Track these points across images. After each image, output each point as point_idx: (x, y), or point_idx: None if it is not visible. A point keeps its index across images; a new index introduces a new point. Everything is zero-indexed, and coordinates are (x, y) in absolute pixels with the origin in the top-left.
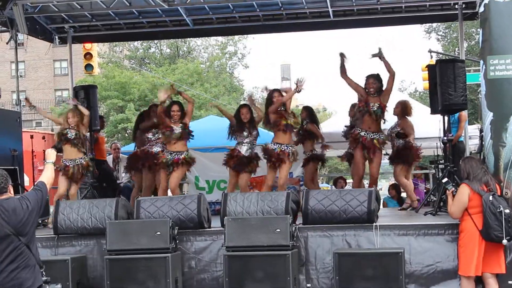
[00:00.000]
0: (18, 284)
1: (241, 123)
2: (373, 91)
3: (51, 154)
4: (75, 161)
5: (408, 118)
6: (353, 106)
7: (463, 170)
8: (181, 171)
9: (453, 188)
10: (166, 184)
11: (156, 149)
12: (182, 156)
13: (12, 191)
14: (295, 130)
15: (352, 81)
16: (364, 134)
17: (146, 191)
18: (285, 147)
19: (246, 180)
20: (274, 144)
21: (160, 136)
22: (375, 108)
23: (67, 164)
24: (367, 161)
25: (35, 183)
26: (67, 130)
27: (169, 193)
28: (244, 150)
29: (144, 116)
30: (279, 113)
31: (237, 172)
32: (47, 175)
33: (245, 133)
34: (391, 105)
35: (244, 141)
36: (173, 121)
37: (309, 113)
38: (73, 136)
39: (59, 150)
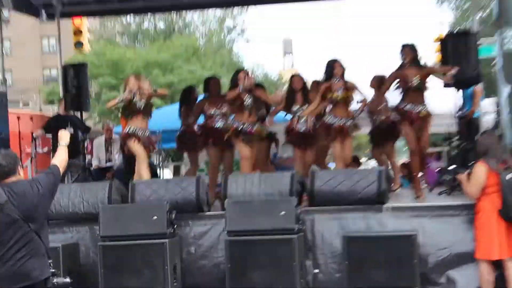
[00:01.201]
0: (25, 273)
1: (294, 93)
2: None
3: (65, 136)
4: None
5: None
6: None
7: (480, 145)
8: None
9: (466, 171)
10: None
11: (219, 124)
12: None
13: (22, 173)
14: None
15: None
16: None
17: (213, 170)
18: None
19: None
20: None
21: (223, 111)
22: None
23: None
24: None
25: (49, 166)
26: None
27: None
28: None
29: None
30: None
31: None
32: (60, 158)
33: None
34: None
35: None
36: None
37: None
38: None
39: (46, 132)
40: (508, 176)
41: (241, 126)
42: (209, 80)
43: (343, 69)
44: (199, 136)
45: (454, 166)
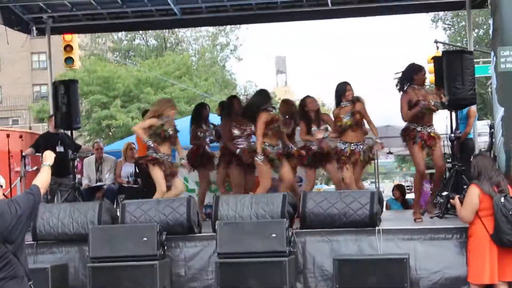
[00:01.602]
0: None
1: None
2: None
3: (49, 156)
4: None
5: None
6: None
7: (474, 168)
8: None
9: (457, 195)
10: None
11: (243, 145)
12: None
13: (1, 194)
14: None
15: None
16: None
17: (239, 189)
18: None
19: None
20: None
21: (247, 132)
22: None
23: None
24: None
25: (30, 186)
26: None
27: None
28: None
29: (226, 108)
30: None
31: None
32: (42, 178)
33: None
34: None
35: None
36: None
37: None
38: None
39: (36, 150)
40: (501, 200)
41: (287, 148)
42: (232, 99)
43: (352, 93)
44: (222, 156)
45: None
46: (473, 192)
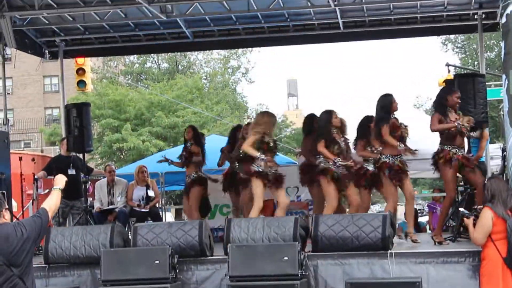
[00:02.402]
0: None
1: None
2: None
3: (60, 180)
4: None
5: None
6: None
7: (487, 190)
8: None
9: (473, 216)
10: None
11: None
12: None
13: (7, 217)
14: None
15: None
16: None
17: (319, 207)
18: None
19: None
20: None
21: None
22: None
23: None
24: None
25: (38, 209)
26: None
27: None
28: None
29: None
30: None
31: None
32: (51, 202)
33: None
34: None
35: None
36: None
37: (195, 134)
38: None
39: (48, 173)
40: None
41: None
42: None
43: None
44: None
45: (462, 209)
46: (487, 215)
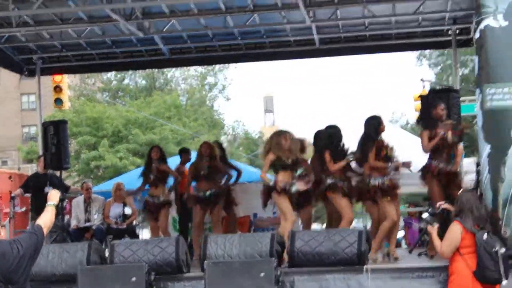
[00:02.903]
0: None
1: None
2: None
3: (55, 196)
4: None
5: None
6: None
7: (457, 204)
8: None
9: (437, 224)
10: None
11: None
12: None
13: (2, 233)
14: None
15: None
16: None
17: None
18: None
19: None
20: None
21: None
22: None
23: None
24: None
25: (33, 226)
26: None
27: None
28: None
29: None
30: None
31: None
32: (45, 218)
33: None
34: None
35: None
36: None
37: (161, 153)
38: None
39: (25, 191)
40: (484, 237)
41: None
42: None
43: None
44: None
45: (426, 214)
46: (455, 229)
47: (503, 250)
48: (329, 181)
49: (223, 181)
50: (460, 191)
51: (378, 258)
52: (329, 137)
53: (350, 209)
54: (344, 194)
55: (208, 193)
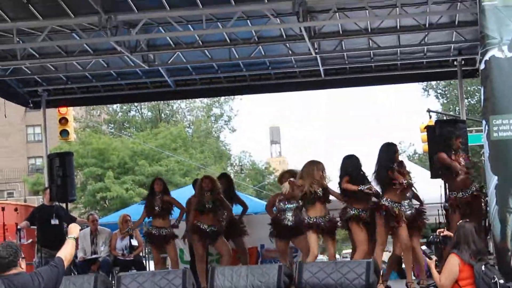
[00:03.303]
0: None
1: None
2: None
3: (75, 229)
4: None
5: None
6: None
7: (455, 235)
8: None
9: (435, 257)
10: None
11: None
12: None
13: (23, 265)
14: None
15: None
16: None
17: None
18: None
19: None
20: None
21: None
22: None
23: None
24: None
25: (54, 259)
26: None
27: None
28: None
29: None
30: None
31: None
32: (66, 251)
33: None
34: None
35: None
36: None
37: (165, 186)
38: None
39: (31, 223)
40: (482, 268)
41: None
42: (285, 174)
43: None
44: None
45: (424, 247)
46: (453, 261)
47: (502, 281)
48: (351, 212)
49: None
50: (458, 223)
51: None
52: (345, 167)
53: (366, 243)
54: (365, 224)
55: (210, 228)
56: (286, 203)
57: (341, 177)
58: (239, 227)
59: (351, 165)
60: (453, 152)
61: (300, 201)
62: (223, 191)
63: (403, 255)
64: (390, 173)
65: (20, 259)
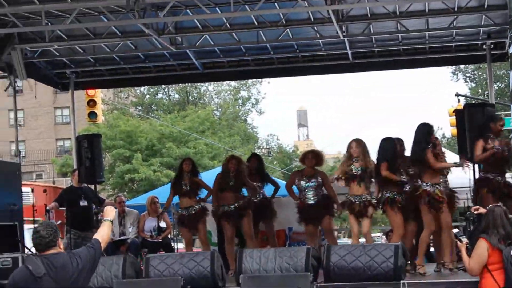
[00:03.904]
0: None
1: None
2: None
3: (110, 212)
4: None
5: None
6: None
7: (485, 220)
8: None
9: (466, 240)
10: None
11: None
12: None
13: (62, 246)
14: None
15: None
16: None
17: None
18: None
19: None
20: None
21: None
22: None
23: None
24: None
25: (91, 240)
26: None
27: None
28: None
29: None
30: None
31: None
32: (103, 233)
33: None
34: None
35: None
36: None
37: (194, 166)
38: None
39: (60, 204)
40: (511, 253)
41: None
42: (307, 154)
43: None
44: None
45: (456, 230)
46: (482, 246)
47: None
48: (386, 195)
49: (256, 194)
50: (488, 207)
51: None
52: (384, 152)
53: (402, 226)
54: (400, 208)
55: (233, 206)
56: (306, 181)
57: (378, 160)
58: (271, 210)
59: (389, 149)
60: (491, 137)
61: (319, 179)
62: (255, 170)
63: (443, 234)
64: (428, 153)
65: (59, 239)
